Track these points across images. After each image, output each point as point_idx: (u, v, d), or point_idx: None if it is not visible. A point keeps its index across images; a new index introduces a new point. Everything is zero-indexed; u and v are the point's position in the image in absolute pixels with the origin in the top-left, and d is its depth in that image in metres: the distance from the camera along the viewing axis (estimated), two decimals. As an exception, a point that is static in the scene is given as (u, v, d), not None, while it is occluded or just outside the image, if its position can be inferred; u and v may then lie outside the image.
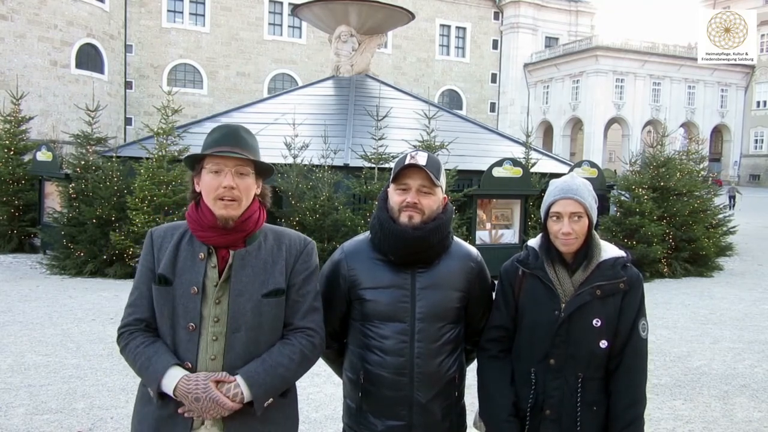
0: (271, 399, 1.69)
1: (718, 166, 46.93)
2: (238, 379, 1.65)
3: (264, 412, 1.68)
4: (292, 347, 1.74)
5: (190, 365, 1.66)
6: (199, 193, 1.73)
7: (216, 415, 1.63)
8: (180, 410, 1.64)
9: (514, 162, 9.64)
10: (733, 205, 26.17)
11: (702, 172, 12.29)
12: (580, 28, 50.57)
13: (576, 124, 48.28)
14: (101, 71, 32.22)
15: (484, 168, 9.68)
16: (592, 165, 10.79)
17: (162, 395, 1.65)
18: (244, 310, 1.69)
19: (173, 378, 1.62)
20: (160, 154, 9.05)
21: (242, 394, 1.63)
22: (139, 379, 1.75)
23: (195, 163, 1.75)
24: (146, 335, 1.71)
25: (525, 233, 9.62)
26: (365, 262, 1.95)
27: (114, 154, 9.81)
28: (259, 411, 1.66)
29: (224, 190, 1.67)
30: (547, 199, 1.97)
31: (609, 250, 1.97)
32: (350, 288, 1.95)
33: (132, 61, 36.91)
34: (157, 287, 1.71)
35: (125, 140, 30.03)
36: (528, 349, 1.96)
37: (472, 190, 9.59)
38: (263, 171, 1.78)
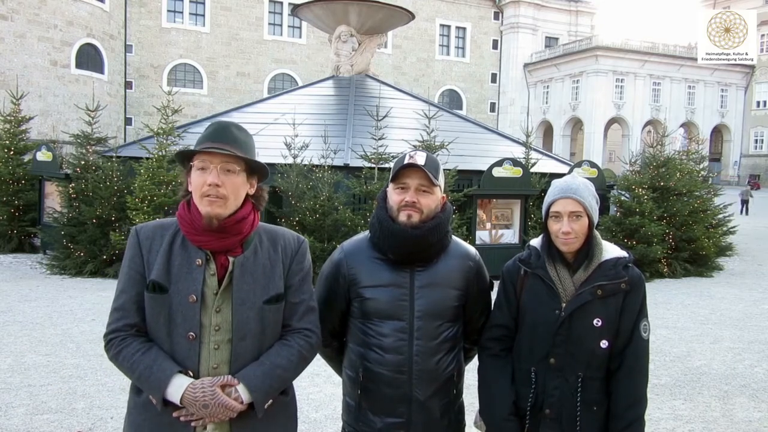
0: (271, 400, 1.68)
1: (718, 166, 46.90)
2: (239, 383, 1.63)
3: (266, 412, 1.67)
4: (291, 349, 1.72)
5: (192, 375, 1.63)
6: (191, 192, 1.68)
7: (224, 418, 1.61)
8: (182, 417, 1.61)
9: (514, 162, 9.64)
10: (747, 211, 25.01)
11: (702, 172, 12.28)
12: (580, 28, 50.56)
13: (576, 124, 48.28)
14: (101, 71, 32.20)
15: (484, 168, 9.69)
16: (592, 165, 10.79)
17: (165, 402, 1.61)
18: (248, 318, 1.66)
19: (179, 386, 1.58)
20: (160, 154, 9.06)
21: (242, 397, 1.62)
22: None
23: (185, 160, 1.69)
24: (140, 341, 1.64)
25: (525, 233, 9.62)
26: (365, 260, 1.96)
27: (114, 154, 9.80)
28: (260, 413, 1.65)
29: (209, 188, 1.60)
30: (547, 198, 1.97)
31: (611, 251, 1.97)
32: (350, 286, 1.95)
33: (132, 61, 36.91)
34: (151, 295, 1.63)
35: (125, 140, 30.01)
36: (528, 348, 1.96)
37: (472, 190, 9.59)
38: (258, 171, 1.72)
